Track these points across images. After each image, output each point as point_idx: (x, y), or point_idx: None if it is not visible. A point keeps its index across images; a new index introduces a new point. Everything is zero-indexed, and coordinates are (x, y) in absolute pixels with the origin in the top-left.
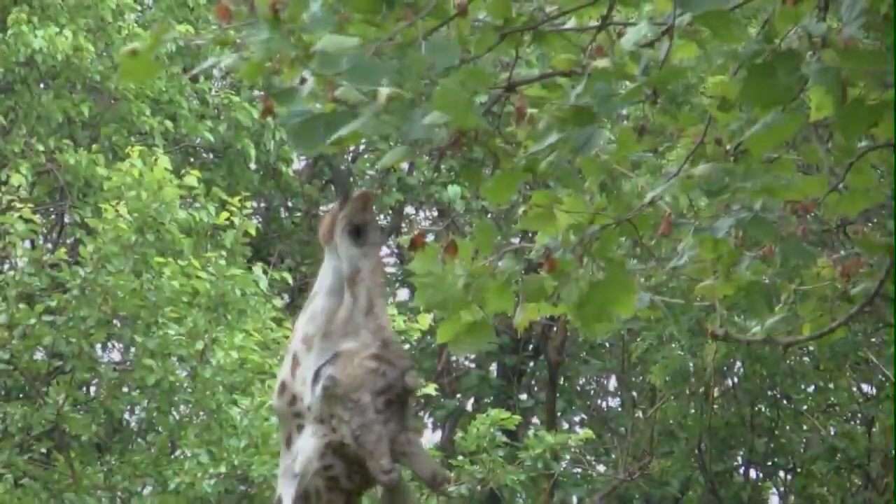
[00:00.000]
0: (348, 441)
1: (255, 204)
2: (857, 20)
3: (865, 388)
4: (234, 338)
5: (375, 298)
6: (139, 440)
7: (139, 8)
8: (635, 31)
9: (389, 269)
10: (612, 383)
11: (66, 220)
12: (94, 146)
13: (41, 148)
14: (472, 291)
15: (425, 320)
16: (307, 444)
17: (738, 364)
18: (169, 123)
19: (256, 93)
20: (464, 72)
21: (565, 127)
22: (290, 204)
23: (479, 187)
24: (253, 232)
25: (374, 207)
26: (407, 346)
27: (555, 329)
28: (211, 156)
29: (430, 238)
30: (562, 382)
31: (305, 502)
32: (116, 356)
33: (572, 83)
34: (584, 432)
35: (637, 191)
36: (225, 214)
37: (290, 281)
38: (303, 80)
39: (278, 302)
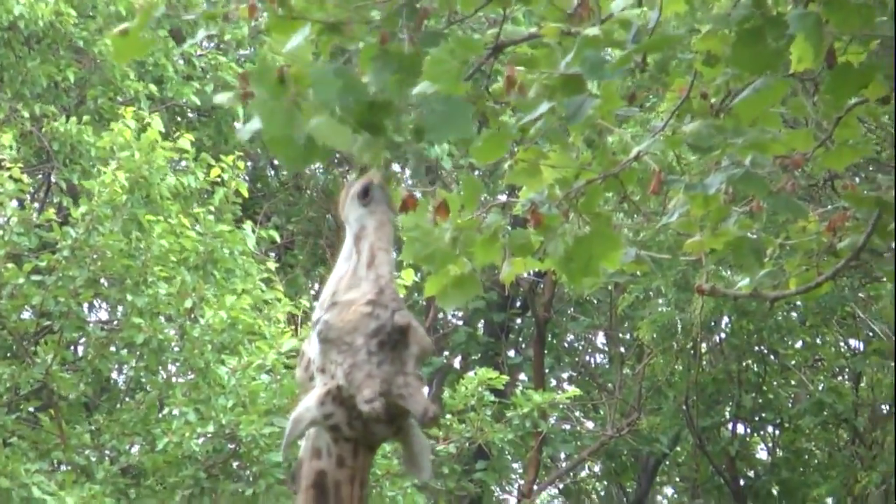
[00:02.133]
0: (343, 383)
1: (243, 164)
2: None
3: (852, 342)
4: (226, 300)
5: (378, 252)
6: (127, 399)
7: None
8: None
9: None
10: (600, 339)
11: (53, 180)
12: (85, 117)
13: (26, 114)
14: (459, 245)
15: (410, 275)
16: (310, 393)
17: (726, 319)
18: (153, 87)
19: (242, 52)
20: (453, 41)
21: (555, 94)
22: (276, 163)
23: (468, 147)
24: (245, 192)
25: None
26: None
27: (542, 286)
28: (197, 115)
29: (417, 195)
30: (550, 339)
31: (317, 459)
32: (104, 315)
33: (559, 41)
34: (571, 390)
35: (623, 145)
36: (216, 171)
37: (278, 239)
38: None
39: (272, 264)
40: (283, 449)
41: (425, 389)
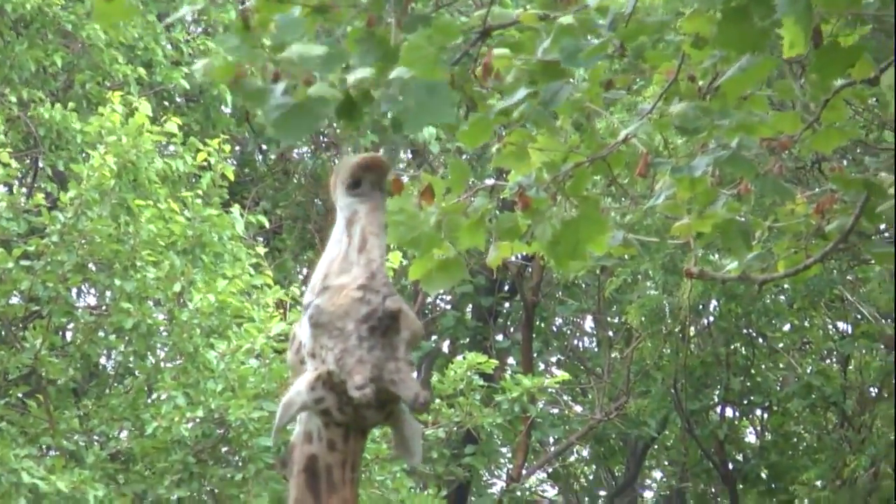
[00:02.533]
0: (333, 368)
1: (229, 147)
2: None
3: (841, 325)
4: (216, 284)
5: (369, 236)
6: (116, 384)
7: None
8: None
9: None
10: (589, 323)
11: (41, 165)
12: (70, 103)
13: (14, 99)
14: (444, 229)
15: (396, 258)
16: (301, 378)
17: (714, 303)
18: (142, 71)
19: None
20: (432, 26)
21: (535, 80)
22: (263, 147)
23: (455, 131)
24: (231, 176)
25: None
26: None
27: (530, 269)
28: (185, 101)
29: (405, 179)
30: (538, 323)
31: (308, 443)
32: (92, 301)
33: (547, 26)
34: (560, 375)
35: (611, 129)
36: (203, 155)
37: (266, 224)
38: (276, 78)
39: (261, 249)
40: (273, 433)
41: (415, 374)
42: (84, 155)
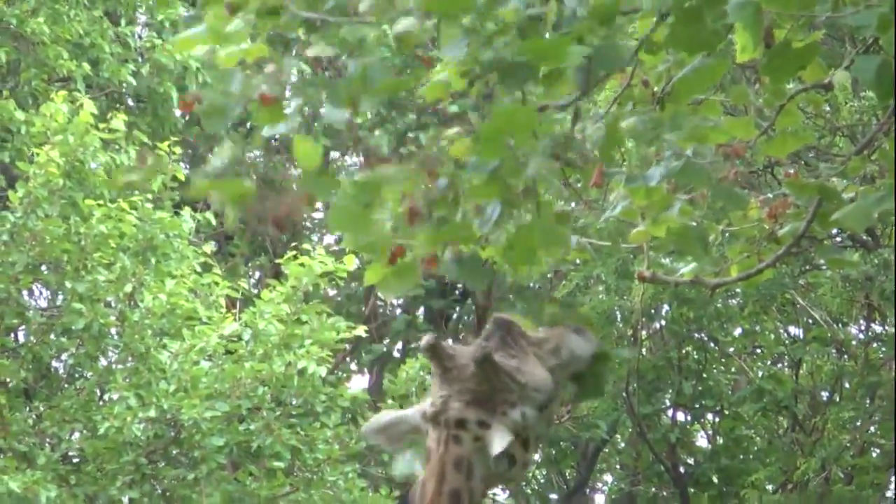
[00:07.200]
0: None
1: (179, 150)
2: None
3: (792, 329)
4: (165, 284)
5: None
6: (67, 386)
7: None
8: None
9: (317, 214)
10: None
11: None
12: (5, 91)
13: None
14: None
15: (352, 261)
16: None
17: (666, 307)
18: (87, 66)
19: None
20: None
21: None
22: (215, 150)
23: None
24: (181, 177)
25: None
26: (334, 291)
27: None
28: (136, 102)
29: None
30: None
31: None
32: (44, 303)
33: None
34: None
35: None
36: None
37: (213, 222)
38: None
39: (208, 247)
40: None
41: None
42: (33, 153)
